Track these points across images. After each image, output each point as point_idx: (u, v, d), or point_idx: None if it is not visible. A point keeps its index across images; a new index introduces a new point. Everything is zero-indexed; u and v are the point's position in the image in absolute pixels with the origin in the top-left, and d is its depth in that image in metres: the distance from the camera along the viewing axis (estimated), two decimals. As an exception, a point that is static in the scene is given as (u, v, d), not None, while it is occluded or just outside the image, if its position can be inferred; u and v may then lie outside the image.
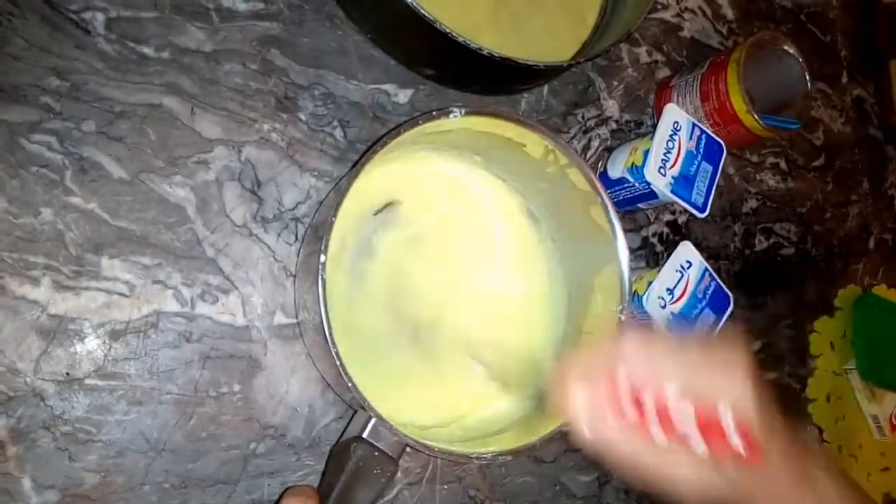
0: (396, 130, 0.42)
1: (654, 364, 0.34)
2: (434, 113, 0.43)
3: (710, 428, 0.32)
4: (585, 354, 0.38)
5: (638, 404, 0.33)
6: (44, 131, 0.43)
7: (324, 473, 0.47)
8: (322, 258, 0.38)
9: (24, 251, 0.42)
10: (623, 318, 0.47)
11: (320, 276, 0.38)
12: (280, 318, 0.48)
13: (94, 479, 0.42)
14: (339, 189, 0.41)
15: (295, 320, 0.48)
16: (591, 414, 0.34)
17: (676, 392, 0.32)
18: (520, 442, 0.44)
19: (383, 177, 0.49)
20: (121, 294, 0.44)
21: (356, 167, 0.41)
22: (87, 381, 0.42)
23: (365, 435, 0.40)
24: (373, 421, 0.40)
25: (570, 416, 0.34)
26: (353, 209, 0.47)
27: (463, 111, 0.43)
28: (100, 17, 0.45)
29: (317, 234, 0.45)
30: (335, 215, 0.40)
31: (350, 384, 0.38)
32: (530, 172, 0.51)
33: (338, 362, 0.38)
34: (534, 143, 0.48)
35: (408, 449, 0.41)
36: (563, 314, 0.53)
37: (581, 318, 0.51)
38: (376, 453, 0.40)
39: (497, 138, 0.48)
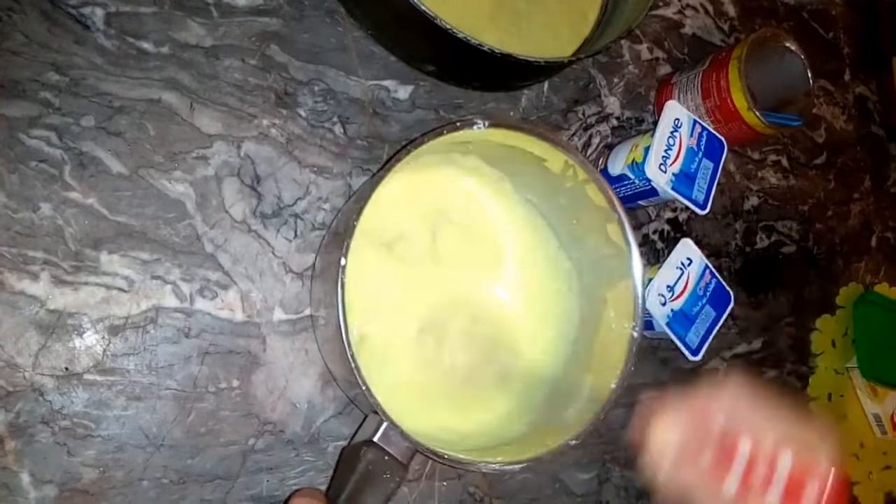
0: (420, 139, 0.41)
1: (752, 415, 0.33)
2: (458, 124, 0.43)
3: (793, 492, 0.32)
4: (684, 397, 0.37)
5: (725, 452, 0.33)
6: (43, 126, 0.43)
7: (333, 476, 0.47)
8: (342, 262, 0.39)
9: (22, 246, 0.42)
10: (635, 334, 0.46)
11: (340, 280, 0.38)
12: (279, 314, 0.48)
13: (93, 474, 0.42)
14: (362, 195, 0.41)
15: (294, 316, 0.48)
16: (676, 452, 0.33)
17: (774, 443, 0.32)
18: (526, 453, 0.43)
19: (401, 185, 0.49)
20: (120, 289, 0.44)
21: (380, 173, 0.41)
22: (86, 377, 0.42)
23: (376, 439, 0.40)
24: (384, 425, 0.40)
25: (654, 450, 0.34)
26: (373, 217, 0.47)
27: (486, 123, 0.43)
28: (99, 12, 0.45)
29: (337, 238, 0.45)
30: (357, 220, 0.40)
31: (364, 388, 0.38)
32: (548, 186, 0.51)
33: (353, 365, 0.38)
34: (554, 157, 0.47)
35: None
36: (574, 327, 0.53)
37: (593, 331, 0.51)
38: (386, 458, 0.40)
39: (517, 151, 0.48)
